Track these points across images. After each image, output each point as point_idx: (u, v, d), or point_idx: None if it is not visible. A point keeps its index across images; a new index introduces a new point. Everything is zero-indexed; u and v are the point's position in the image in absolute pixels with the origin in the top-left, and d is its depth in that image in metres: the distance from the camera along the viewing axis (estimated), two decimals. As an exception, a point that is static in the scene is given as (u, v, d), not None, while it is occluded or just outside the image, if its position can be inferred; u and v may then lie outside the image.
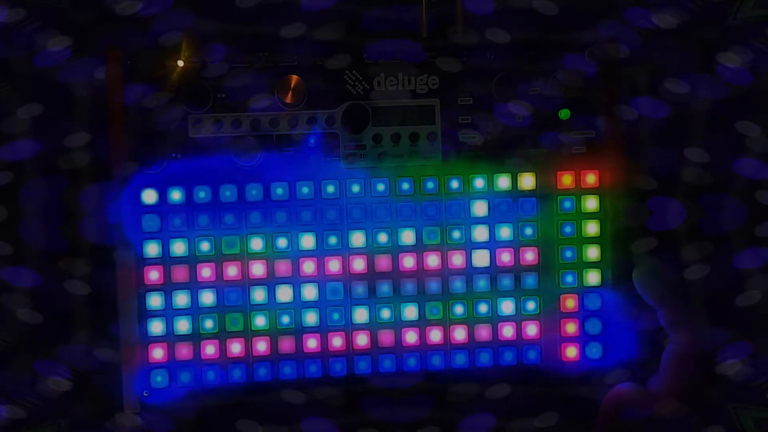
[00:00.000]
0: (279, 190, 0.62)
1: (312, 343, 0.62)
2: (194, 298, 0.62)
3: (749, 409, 0.64)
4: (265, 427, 0.62)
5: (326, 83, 0.62)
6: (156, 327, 0.61)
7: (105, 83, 0.60)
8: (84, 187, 0.62)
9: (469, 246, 0.63)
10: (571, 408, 0.63)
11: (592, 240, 0.63)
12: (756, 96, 0.65)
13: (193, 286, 0.62)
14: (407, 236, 0.63)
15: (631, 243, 0.63)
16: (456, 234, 0.63)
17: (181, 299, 0.61)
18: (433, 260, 0.63)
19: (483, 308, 0.63)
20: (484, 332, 0.63)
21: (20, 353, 0.62)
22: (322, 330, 0.62)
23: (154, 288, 0.61)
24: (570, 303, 0.64)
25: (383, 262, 0.63)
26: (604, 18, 0.64)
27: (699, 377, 0.59)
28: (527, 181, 0.63)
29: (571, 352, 0.64)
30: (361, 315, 0.62)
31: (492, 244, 0.63)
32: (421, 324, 0.63)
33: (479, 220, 0.63)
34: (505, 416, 0.63)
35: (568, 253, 0.63)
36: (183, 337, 0.61)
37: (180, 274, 0.61)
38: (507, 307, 0.63)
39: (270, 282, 0.62)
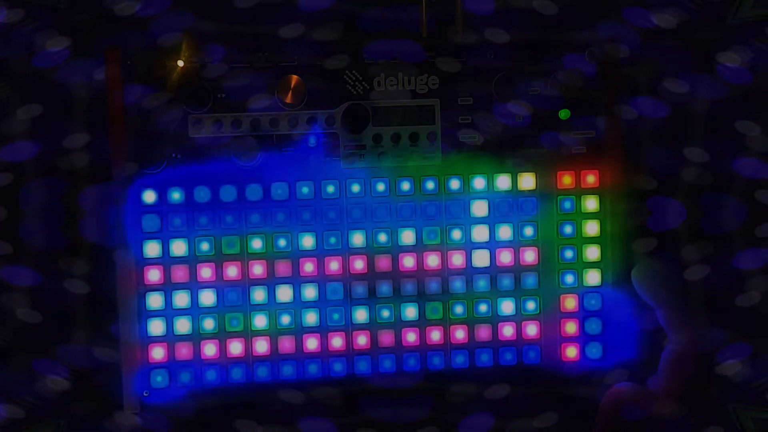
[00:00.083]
0: (279, 190, 0.62)
1: (312, 343, 0.62)
2: (194, 298, 0.61)
3: (749, 409, 0.65)
4: (265, 427, 0.62)
5: (326, 83, 0.62)
6: (156, 327, 0.61)
7: (105, 83, 0.60)
8: (84, 187, 0.61)
9: (469, 246, 0.63)
10: (571, 408, 0.63)
11: (592, 240, 0.63)
12: (756, 95, 0.65)
13: (193, 286, 0.61)
14: (407, 236, 0.63)
15: (631, 243, 0.63)
16: (456, 234, 0.63)
17: (181, 299, 0.61)
18: (433, 260, 0.63)
19: (483, 308, 0.63)
20: (484, 332, 0.63)
21: (19, 352, 0.62)
22: (322, 330, 0.62)
23: (154, 288, 0.61)
24: (570, 303, 0.64)
25: (383, 262, 0.63)
26: (604, 18, 0.64)
27: (698, 377, 0.59)
28: (527, 181, 0.63)
29: (571, 352, 0.64)
30: (361, 315, 0.62)
31: (492, 244, 0.63)
32: (421, 324, 0.63)
33: (479, 220, 0.63)
34: (505, 416, 0.63)
35: (568, 253, 0.63)
36: (183, 337, 0.61)
37: (180, 274, 0.61)
38: (507, 307, 0.63)
39: (270, 282, 0.62)
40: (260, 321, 0.62)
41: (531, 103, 0.63)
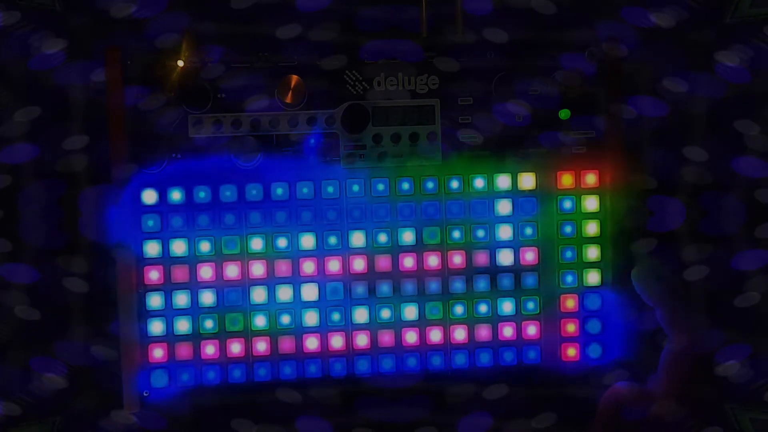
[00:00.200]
0: (279, 191, 0.62)
1: (312, 343, 0.62)
2: (194, 298, 0.61)
3: (747, 410, 0.65)
4: (265, 427, 0.62)
5: (326, 83, 0.62)
6: (156, 327, 0.61)
7: (105, 84, 0.60)
8: (83, 188, 0.61)
9: (469, 246, 0.63)
10: (572, 407, 0.63)
11: (592, 240, 0.63)
12: (755, 94, 0.65)
13: (193, 286, 0.61)
14: (407, 236, 0.63)
15: (631, 243, 0.63)
16: (456, 234, 0.63)
17: (181, 299, 0.61)
18: (433, 260, 0.63)
19: (483, 308, 0.63)
20: (484, 332, 0.63)
21: (16, 349, 0.62)
22: (322, 330, 0.62)
23: (154, 288, 0.61)
24: (570, 303, 0.64)
25: (383, 262, 0.63)
26: (603, 17, 0.64)
27: (697, 378, 0.59)
28: (527, 181, 0.63)
29: (571, 352, 0.64)
30: (361, 315, 0.62)
31: (492, 244, 0.63)
32: (421, 324, 0.63)
33: (479, 220, 0.63)
34: (503, 417, 0.63)
35: (568, 253, 0.63)
36: (183, 337, 0.61)
37: (180, 274, 0.61)
38: (507, 307, 0.63)
39: (270, 282, 0.62)
40: (260, 321, 0.62)
41: (531, 102, 0.63)
